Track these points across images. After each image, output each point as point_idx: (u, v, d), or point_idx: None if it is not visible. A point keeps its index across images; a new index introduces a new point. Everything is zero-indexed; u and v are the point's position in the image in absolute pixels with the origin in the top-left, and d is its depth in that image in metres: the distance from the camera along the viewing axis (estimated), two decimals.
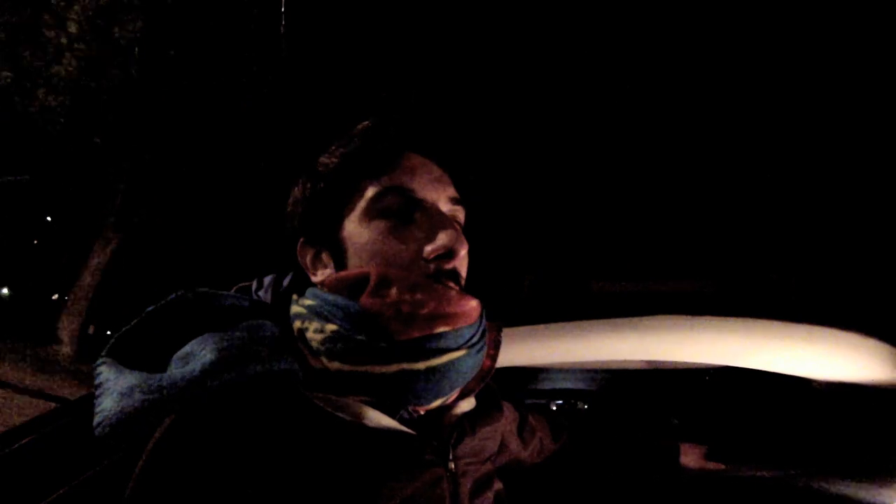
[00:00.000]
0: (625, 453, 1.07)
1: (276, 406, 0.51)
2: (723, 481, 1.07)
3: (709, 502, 1.05)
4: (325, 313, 0.59)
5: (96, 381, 0.53)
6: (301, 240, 0.67)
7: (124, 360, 0.53)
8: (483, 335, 0.62)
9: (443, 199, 0.64)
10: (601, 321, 0.97)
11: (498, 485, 0.71)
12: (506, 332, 0.74)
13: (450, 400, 0.63)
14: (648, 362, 1.37)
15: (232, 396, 0.49)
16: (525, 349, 1.02)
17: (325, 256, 0.65)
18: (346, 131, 0.70)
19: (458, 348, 0.57)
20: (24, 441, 0.60)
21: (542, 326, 0.98)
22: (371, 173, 0.63)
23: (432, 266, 0.60)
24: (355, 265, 0.61)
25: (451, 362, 0.57)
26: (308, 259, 0.66)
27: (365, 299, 0.57)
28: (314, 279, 0.66)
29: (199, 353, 0.51)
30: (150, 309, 0.58)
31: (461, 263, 0.63)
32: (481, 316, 0.61)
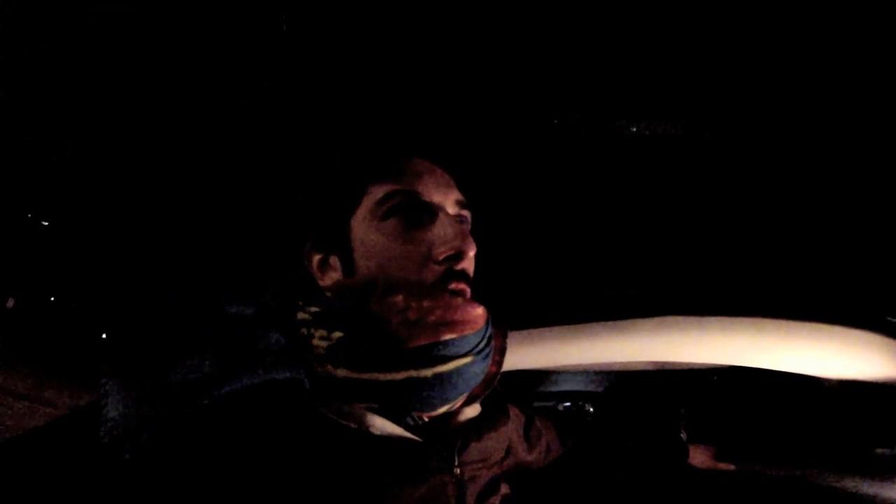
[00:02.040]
0: (633, 454, 1.06)
1: (280, 415, 0.51)
2: (733, 481, 1.06)
3: (719, 503, 1.03)
4: (332, 320, 0.58)
5: (102, 391, 0.53)
6: (308, 244, 0.67)
7: (128, 368, 0.53)
8: (489, 342, 0.62)
9: (449, 202, 0.65)
10: (606, 323, 0.97)
11: (505, 489, 0.70)
12: (510, 335, 0.74)
13: (456, 406, 0.63)
14: (655, 363, 1.36)
15: (235, 406, 0.49)
16: (530, 352, 1.02)
17: (332, 260, 0.64)
18: (351, 135, 0.70)
19: (464, 355, 0.57)
20: (29, 449, 0.60)
21: (546, 329, 0.97)
22: (378, 177, 0.63)
23: (442, 268, 0.60)
24: (364, 268, 0.61)
25: (458, 369, 0.57)
26: (315, 263, 0.66)
27: (372, 306, 0.57)
28: (321, 283, 0.65)
29: (202, 363, 0.51)
30: (152, 312, 0.58)
31: (470, 264, 0.64)
32: (487, 323, 0.61)
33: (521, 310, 1.00)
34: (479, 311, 0.59)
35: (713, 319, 0.95)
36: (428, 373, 0.55)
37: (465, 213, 0.68)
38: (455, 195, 0.66)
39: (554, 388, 1.77)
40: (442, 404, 0.59)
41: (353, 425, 0.54)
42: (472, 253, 0.61)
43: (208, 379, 0.49)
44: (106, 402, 0.51)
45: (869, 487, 0.96)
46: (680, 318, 0.95)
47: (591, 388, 1.76)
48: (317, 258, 0.66)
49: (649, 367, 1.41)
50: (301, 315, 0.62)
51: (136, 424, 0.48)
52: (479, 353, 0.59)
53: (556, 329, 0.98)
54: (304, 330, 0.60)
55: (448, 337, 0.56)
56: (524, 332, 0.98)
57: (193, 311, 0.58)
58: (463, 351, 0.57)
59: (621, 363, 1.27)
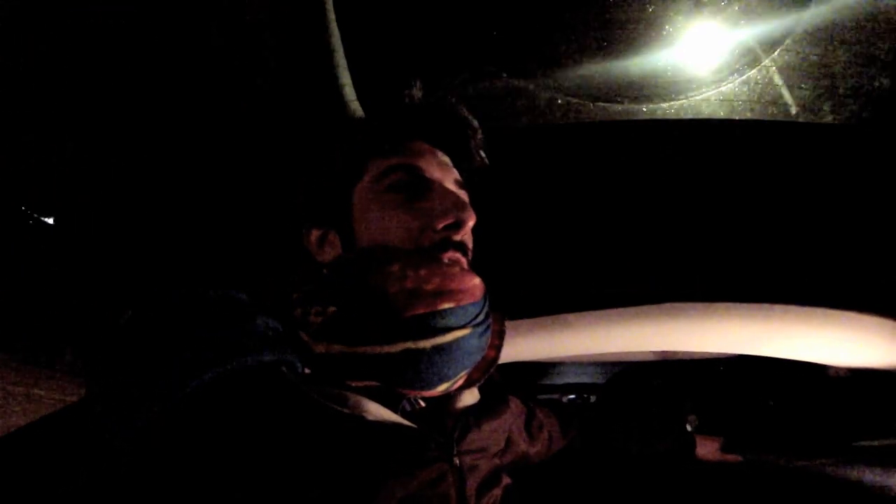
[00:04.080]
0: (638, 447, 1.05)
1: (270, 400, 0.50)
2: (740, 473, 1.05)
3: (726, 494, 1.02)
4: (327, 295, 0.57)
5: (90, 385, 0.52)
6: (307, 221, 0.68)
7: (116, 362, 0.53)
8: (487, 316, 0.61)
9: (449, 180, 0.66)
10: (608, 311, 0.95)
11: (506, 480, 0.69)
12: (510, 324, 0.73)
13: (455, 386, 0.62)
14: (659, 353, 1.34)
15: (223, 392, 0.48)
16: (531, 342, 1.01)
17: (332, 236, 0.65)
18: (354, 116, 0.71)
19: (463, 326, 0.57)
20: (21, 444, 0.60)
21: (547, 318, 0.96)
22: (380, 152, 0.64)
23: (440, 236, 0.60)
24: (363, 241, 0.61)
25: (457, 340, 0.56)
26: (314, 240, 0.67)
27: (369, 278, 0.56)
28: (320, 259, 0.66)
29: (184, 352, 0.50)
30: (140, 308, 0.57)
31: (468, 237, 0.64)
32: (485, 295, 0.61)
33: (522, 301, 0.99)
34: (477, 282, 0.59)
35: (717, 306, 0.93)
36: (426, 344, 0.54)
37: (464, 192, 0.69)
38: (454, 175, 0.67)
39: (558, 381, 1.77)
40: (441, 381, 0.58)
41: (346, 410, 0.53)
42: (471, 222, 0.62)
43: (197, 366, 0.49)
44: (93, 395, 0.51)
45: (877, 477, 0.94)
46: (683, 305, 0.93)
47: (595, 380, 1.76)
48: (315, 235, 0.66)
49: (653, 358, 1.40)
50: (296, 295, 0.61)
51: (125, 417, 0.47)
52: (478, 325, 0.58)
53: (556, 318, 0.96)
54: (299, 310, 0.59)
55: (446, 306, 0.55)
56: (524, 322, 0.97)
57: (179, 301, 0.57)
58: (461, 322, 0.56)
59: (624, 353, 1.25)
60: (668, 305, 0.93)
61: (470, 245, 0.65)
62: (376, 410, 0.54)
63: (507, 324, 0.72)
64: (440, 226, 0.60)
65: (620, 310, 0.94)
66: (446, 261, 0.59)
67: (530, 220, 1.02)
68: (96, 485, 0.48)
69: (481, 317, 0.59)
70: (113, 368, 0.51)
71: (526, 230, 1.01)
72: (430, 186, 0.63)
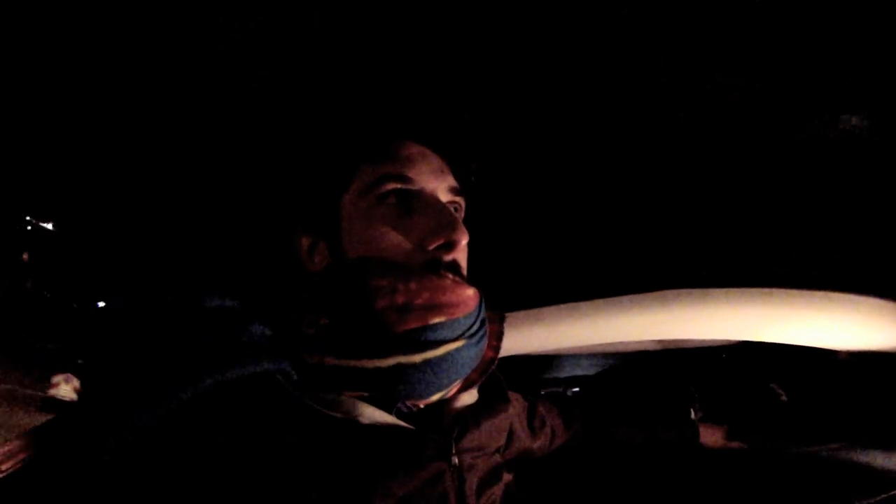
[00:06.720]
0: (642, 436, 1.04)
1: (263, 408, 0.50)
2: (746, 460, 1.04)
3: (732, 482, 1.02)
4: (318, 306, 0.57)
5: (80, 395, 0.52)
6: (297, 229, 0.66)
7: (113, 367, 0.52)
8: (483, 325, 0.60)
9: (442, 189, 0.63)
10: (607, 300, 0.94)
11: (507, 477, 0.69)
12: (508, 318, 0.72)
13: (450, 393, 0.61)
14: (660, 342, 1.33)
15: (217, 401, 0.48)
16: (529, 334, 1.00)
17: (321, 246, 0.63)
18: (344, 118, 0.69)
19: (455, 339, 0.56)
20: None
21: (545, 309, 0.95)
22: (370, 159, 0.62)
23: (432, 256, 0.58)
24: (352, 253, 0.60)
25: (450, 354, 0.55)
26: (304, 249, 0.65)
27: (359, 291, 0.55)
28: (309, 269, 0.64)
29: (181, 359, 0.49)
30: (137, 314, 0.57)
31: (461, 254, 0.62)
32: (480, 305, 0.59)
33: (520, 291, 0.98)
34: (471, 293, 0.57)
35: (717, 291, 0.92)
36: (417, 358, 0.54)
37: (459, 199, 0.66)
38: (448, 181, 0.64)
39: (562, 374, 1.77)
40: (434, 391, 0.57)
41: (339, 415, 0.52)
42: (464, 242, 0.60)
43: (190, 376, 0.48)
44: (85, 405, 0.50)
45: (884, 461, 0.93)
46: (682, 292, 0.93)
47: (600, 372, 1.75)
48: (305, 243, 0.65)
49: (655, 347, 1.39)
50: (288, 303, 0.61)
51: (121, 422, 0.47)
52: (472, 336, 0.57)
53: (553, 308, 0.95)
54: (291, 318, 0.59)
55: (437, 320, 0.54)
56: (521, 314, 0.96)
57: (173, 310, 0.56)
58: (454, 335, 0.55)
59: (625, 342, 1.24)
60: (667, 293, 0.93)
61: (463, 263, 0.63)
62: (371, 414, 0.54)
63: (506, 318, 0.71)
64: (431, 246, 0.58)
65: (619, 298, 0.94)
66: (438, 275, 0.58)
67: (527, 210, 1.01)
68: (91, 489, 0.47)
69: (475, 327, 0.58)
70: (110, 373, 0.51)
71: (523, 221, 1.00)
72: (422, 200, 0.61)
